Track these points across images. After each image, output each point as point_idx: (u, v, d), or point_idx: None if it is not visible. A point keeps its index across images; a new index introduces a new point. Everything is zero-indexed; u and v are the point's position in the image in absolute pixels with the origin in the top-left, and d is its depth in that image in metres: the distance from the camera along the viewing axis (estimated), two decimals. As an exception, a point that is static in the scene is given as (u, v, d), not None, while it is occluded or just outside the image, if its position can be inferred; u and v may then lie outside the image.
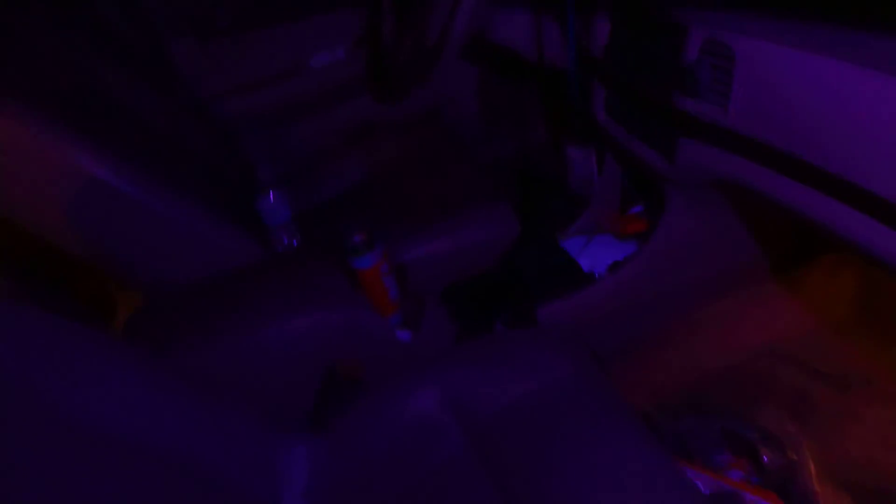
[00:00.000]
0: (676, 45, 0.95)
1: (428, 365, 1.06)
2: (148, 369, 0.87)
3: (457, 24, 1.55)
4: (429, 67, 1.63)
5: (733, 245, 1.30)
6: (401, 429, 0.99)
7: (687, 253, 1.27)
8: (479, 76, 1.78)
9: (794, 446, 1.16)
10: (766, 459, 1.12)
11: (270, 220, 1.39)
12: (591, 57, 1.19)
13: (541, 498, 0.84)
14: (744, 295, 1.44)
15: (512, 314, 1.22)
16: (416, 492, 0.92)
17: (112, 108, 1.19)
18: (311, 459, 0.96)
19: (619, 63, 1.12)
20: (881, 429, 1.27)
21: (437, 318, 1.20)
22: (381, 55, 1.54)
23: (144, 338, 1.10)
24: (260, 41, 1.76)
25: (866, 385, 1.37)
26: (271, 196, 1.40)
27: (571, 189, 1.40)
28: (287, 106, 1.78)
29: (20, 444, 0.66)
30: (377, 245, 1.13)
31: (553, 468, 0.87)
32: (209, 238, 1.21)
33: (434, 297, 1.24)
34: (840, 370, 1.40)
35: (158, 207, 1.13)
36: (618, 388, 1.29)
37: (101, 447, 0.74)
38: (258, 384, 1.07)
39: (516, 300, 1.23)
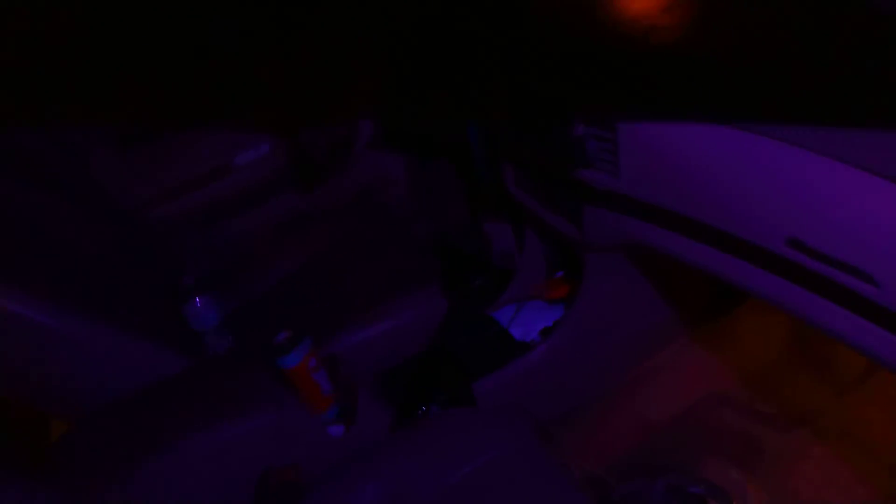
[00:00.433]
0: (565, 120, 1.00)
1: (365, 460, 1.03)
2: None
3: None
4: (344, 157, 1.66)
5: (659, 300, 1.33)
6: (341, 533, 0.96)
7: (613, 312, 1.29)
8: (405, 158, 1.82)
9: (739, 494, 1.16)
10: (714, 512, 1.11)
11: (198, 326, 1.37)
12: (495, 134, 1.23)
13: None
14: (679, 346, 1.47)
15: (447, 395, 1.21)
16: None
17: (16, 234, 1.17)
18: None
19: (521, 139, 1.16)
20: (827, 465, 1.28)
21: (371, 407, 1.18)
22: (299, 149, 1.56)
23: (66, 471, 1.05)
24: (182, 144, 1.77)
25: (810, 421, 1.39)
26: (197, 301, 1.38)
27: (495, 263, 1.43)
28: (215, 206, 1.78)
29: None
30: (303, 341, 1.12)
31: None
32: (128, 354, 1.17)
33: (368, 385, 1.22)
34: (782, 409, 1.42)
35: (70, 332, 1.10)
36: (564, 456, 1.28)
37: None
38: (192, 498, 1.03)
39: (450, 380, 1.23)
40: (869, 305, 0.68)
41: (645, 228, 0.96)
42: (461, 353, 1.25)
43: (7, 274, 1.05)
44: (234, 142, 1.81)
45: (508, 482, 0.97)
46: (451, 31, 1.28)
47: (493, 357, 1.26)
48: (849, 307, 0.71)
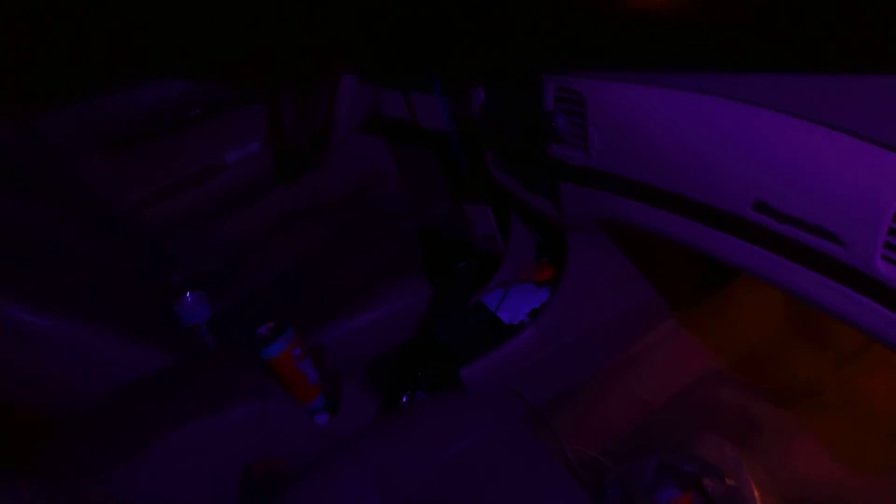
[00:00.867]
0: (536, 97, 0.98)
1: (349, 448, 1.03)
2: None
3: (339, 110, 1.59)
4: (324, 148, 1.66)
5: (645, 278, 1.31)
6: (326, 521, 0.96)
7: (598, 293, 1.27)
8: (392, 150, 1.82)
9: (734, 471, 1.14)
10: (708, 490, 1.10)
11: (188, 322, 1.38)
12: (472, 119, 1.22)
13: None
14: (672, 325, 1.45)
15: (433, 380, 1.21)
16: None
17: (2, 236, 1.18)
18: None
19: (497, 121, 1.15)
20: (827, 438, 1.26)
21: (358, 396, 1.18)
22: (284, 145, 1.56)
23: (58, 466, 1.06)
24: (170, 145, 1.77)
25: (809, 395, 1.37)
26: (188, 297, 1.39)
27: (478, 247, 1.42)
28: (206, 204, 1.79)
29: None
30: (286, 331, 1.12)
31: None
32: (117, 352, 1.18)
33: (355, 375, 1.22)
34: (782, 384, 1.40)
35: (57, 331, 1.12)
36: (557, 439, 1.27)
37: None
38: (177, 494, 1.03)
39: (436, 365, 1.22)
40: (836, 265, 0.66)
41: (617, 202, 0.95)
42: (448, 338, 1.25)
43: None
44: (224, 140, 1.81)
45: (494, 465, 0.96)
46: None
47: (482, 341, 1.25)
48: (817, 269, 0.69)
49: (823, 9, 0.64)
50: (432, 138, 1.49)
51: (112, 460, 1.04)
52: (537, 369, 1.29)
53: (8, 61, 1.42)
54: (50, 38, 1.44)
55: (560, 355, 1.30)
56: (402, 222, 1.83)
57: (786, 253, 0.72)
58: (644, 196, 0.89)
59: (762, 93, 0.69)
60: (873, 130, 0.59)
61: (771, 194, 0.70)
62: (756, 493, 1.12)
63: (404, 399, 1.16)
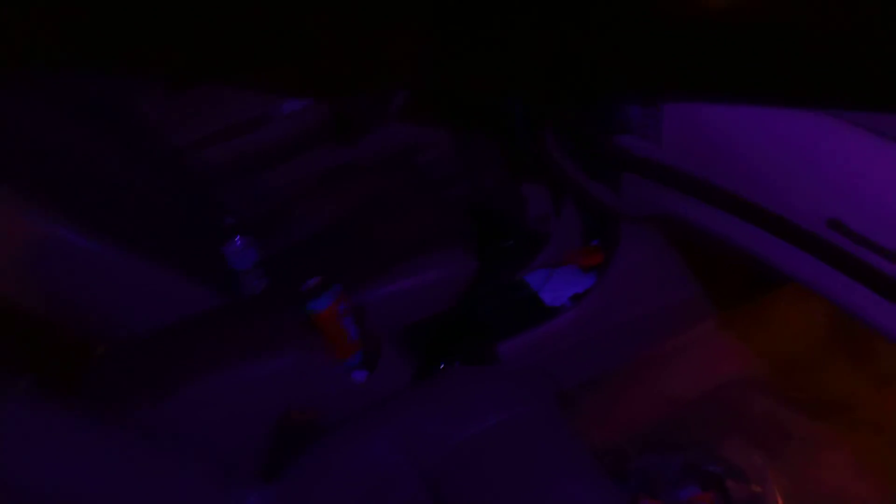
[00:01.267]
0: (611, 90, 0.97)
1: (382, 408, 1.06)
2: (96, 427, 0.87)
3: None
4: (382, 113, 1.66)
5: (693, 277, 1.30)
6: (355, 473, 0.99)
7: (645, 284, 1.27)
8: (444, 120, 1.81)
9: (760, 478, 1.14)
10: (731, 492, 1.10)
11: (237, 265, 1.40)
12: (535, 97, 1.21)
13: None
14: (711, 325, 1.44)
15: (470, 352, 1.22)
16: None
17: (68, 167, 1.21)
18: (263, 509, 0.96)
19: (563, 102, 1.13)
20: (856, 457, 1.25)
21: (394, 359, 1.20)
22: (340, 102, 1.57)
23: (101, 391, 1.11)
24: (229, 91, 1.79)
25: (843, 411, 1.35)
26: (237, 241, 1.41)
27: (529, 226, 1.41)
28: (258, 152, 1.81)
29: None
30: (333, 287, 1.14)
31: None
32: (163, 288, 1.21)
33: (393, 338, 1.24)
34: (817, 397, 1.38)
35: (113, 261, 1.14)
36: (585, 423, 1.28)
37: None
38: (212, 434, 1.07)
39: (475, 338, 1.23)
40: (908, 295, 0.65)
41: (683, 200, 0.93)
42: (489, 313, 1.26)
43: (58, 202, 1.10)
44: (280, 90, 1.82)
45: (523, 443, 0.98)
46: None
47: (521, 319, 1.26)
48: (885, 294, 0.68)
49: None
50: (488, 111, 1.48)
51: (151, 394, 1.08)
52: (572, 353, 1.30)
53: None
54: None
55: (596, 342, 1.30)
56: (451, 191, 1.83)
57: (856, 275, 0.70)
58: (712, 197, 0.88)
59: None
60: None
61: (849, 214, 0.68)
62: (780, 502, 1.12)
63: (440, 367, 1.18)
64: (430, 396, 1.06)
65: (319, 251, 1.49)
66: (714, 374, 1.39)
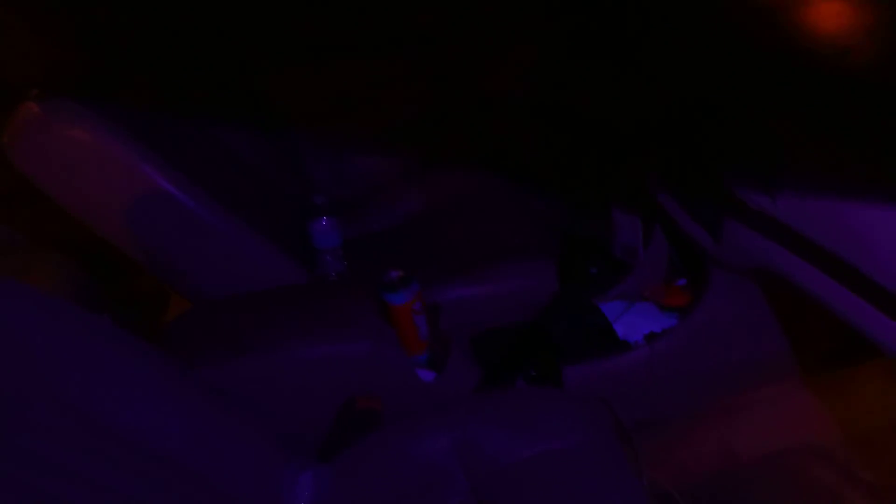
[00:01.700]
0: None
1: (445, 410, 1.06)
2: (169, 374, 0.91)
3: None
4: (491, 118, 1.67)
5: (777, 334, 1.25)
6: (408, 469, 1.00)
7: (727, 335, 1.23)
8: (542, 130, 1.79)
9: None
10: (783, 564, 1.06)
11: (320, 244, 1.44)
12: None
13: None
14: (785, 386, 1.38)
15: (536, 371, 1.22)
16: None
17: (180, 126, 1.27)
18: (316, 487, 0.97)
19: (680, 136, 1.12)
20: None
21: (461, 363, 1.21)
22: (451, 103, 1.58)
23: (179, 343, 1.15)
24: (337, 71, 1.83)
25: (911, 499, 1.29)
26: (324, 221, 1.44)
27: (615, 254, 1.39)
28: (355, 135, 1.84)
29: (23, 425, 0.69)
30: (412, 283, 1.15)
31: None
32: (255, 256, 1.26)
33: (462, 342, 1.25)
34: (881, 479, 1.32)
35: (211, 221, 1.20)
36: (639, 463, 1.26)
37: (109, 440, 0.78)
38: (276, 405, 1.10)
39: (543, 357, 1.23)
40: None
41: (786, 258, 0.91)
42: (560, 334, 1.25)
43: (175, 162, 1.16)
44: (388, 80, 1.85)
45: (580, 471, 0.97)
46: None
47: (591, 347, 1.24)
48: None
49: None
50: (593, 126, 1.47)
51: (220, 354, 1.12)
52: (638, 390, 1.28)
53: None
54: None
55: (665, 384, 1.27)
56: (533, 202, 1.82)
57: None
58: (819, 260, 0.85)
59: None
60: None
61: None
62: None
63: (506, 382, 1.18)
64: (492, 410, 1.06)
65: (402, 242, 1.51)
66: (781, 437, 1.34)
